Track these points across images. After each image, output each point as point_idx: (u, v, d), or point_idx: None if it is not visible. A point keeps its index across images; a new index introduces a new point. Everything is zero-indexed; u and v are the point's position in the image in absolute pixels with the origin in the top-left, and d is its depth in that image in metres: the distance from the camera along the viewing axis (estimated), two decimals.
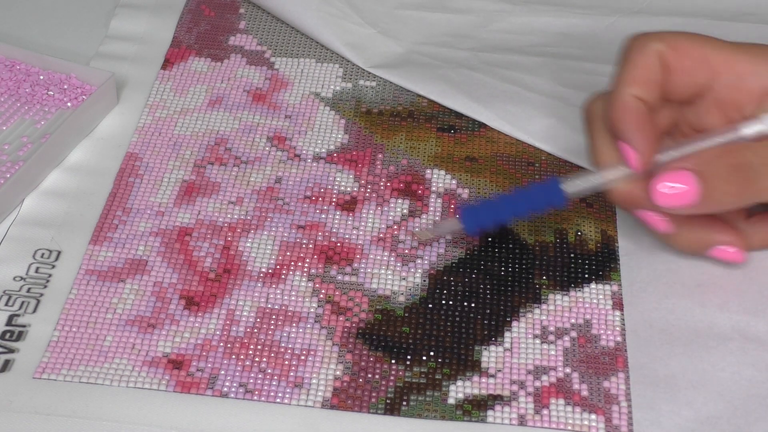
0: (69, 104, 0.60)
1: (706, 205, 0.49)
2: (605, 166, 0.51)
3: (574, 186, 0.51)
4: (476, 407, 0.48)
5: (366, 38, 0.66)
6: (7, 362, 0.49)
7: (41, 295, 0.52)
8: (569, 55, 0.66)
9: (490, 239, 0.55)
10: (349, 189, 0.57)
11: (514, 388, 0.49)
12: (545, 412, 0.48)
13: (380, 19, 0.67)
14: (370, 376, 0.49)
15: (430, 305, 0.52)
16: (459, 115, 0.62)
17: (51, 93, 0.60)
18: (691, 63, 0.50)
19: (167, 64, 0.65)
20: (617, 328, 0.51)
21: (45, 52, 0.62)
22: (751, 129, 0.49)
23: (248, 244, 0.54)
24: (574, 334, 0.51)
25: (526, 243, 0.55)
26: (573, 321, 0.51)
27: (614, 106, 0.50)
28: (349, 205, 0.57)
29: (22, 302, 0.51)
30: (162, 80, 0.64)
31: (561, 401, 0.48)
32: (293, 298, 0.52)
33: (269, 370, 0.49)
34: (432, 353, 0.50)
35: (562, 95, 0.62)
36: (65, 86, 0.61)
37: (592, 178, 0.51)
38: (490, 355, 0.50)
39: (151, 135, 0.60)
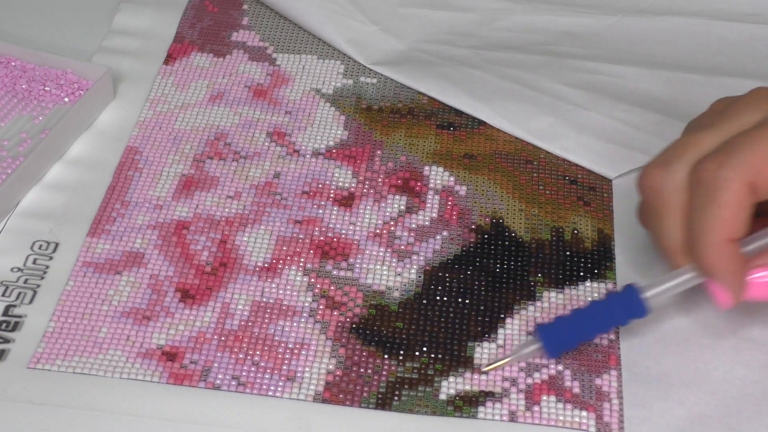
0: (66, 99, 0.60)
1: None
2: (684, 266, 0.49)
3: (655, 294, 0.49)
4: (467, 403, 0.48)
5: (368, 35, 0.66)
6: (2, 352, 0.49)
7: (38, 286, 0.52)
8: (571, 54, 0.66)
9: (486, 236, 0.55)
10: (347, 185, 0.58)
11: (506, 384, 0.49)
12: (536, 408, 0.48)
13: (383, 16, 0.68)
14: (362, 370, 0.49)
15: (425, 301, 0.52)
16: (459, 113, 0.62)
17: (48, 89, 0.60)
18: None
19: (170, 59, 0.65)
20: None
21: (48, 47, 0.63)
22: None
23: (245, 238, 0.55)
24: None
25: (522, 240, 0.55)
26: None
27: (706, 251, 0.47)
28: (346, 200, 0.57)
29: (19, 293, 0.52)
30: (164, 75, 0.64)
31: (552, 398, 0.48)
32: (288, 292, 0.52)
33: (262, 364, 0.49)
34: (425, 349, 0.50)
35: (563, 94, 0.62)
36: (62, 82, 0.61)
37: (674, 283, 0.49)
38: (483, 352, 0.50)
39: (152, 129, 0.60)
